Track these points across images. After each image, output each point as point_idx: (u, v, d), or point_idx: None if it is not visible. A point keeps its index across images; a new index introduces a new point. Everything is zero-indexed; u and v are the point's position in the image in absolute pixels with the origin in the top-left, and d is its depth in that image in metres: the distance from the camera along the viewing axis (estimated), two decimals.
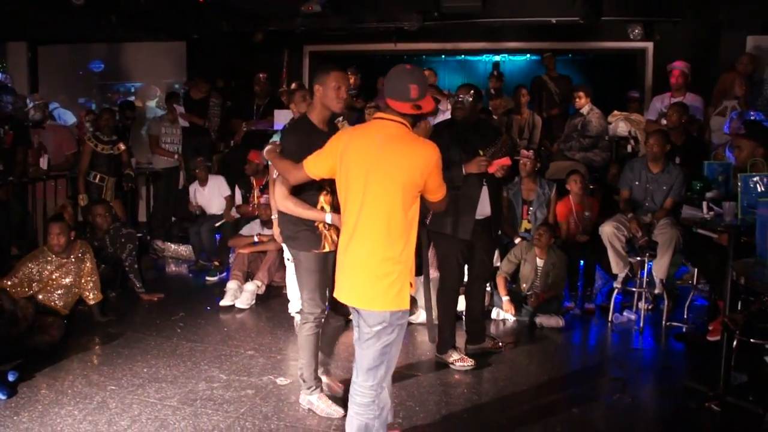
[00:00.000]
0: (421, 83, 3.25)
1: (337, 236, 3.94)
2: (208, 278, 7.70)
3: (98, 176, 7.85)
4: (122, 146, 8.01)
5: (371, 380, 3.33)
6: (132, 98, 10.76)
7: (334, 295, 3.46)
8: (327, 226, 4.04)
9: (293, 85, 7.97)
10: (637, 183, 6.59)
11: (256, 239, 7.23)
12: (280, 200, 4.02)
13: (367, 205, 3.22)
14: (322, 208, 3.98)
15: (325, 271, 4.12)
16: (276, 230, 5.73)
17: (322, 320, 4.32)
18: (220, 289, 7.05)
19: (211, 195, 8.23)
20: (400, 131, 3.24)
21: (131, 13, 8.59)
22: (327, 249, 4.06)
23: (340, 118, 8.36)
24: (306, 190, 3.99)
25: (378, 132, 3.27)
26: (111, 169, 7.93)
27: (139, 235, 7.28)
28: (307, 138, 3.92)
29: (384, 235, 3.18)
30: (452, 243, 5.08)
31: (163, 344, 5.64)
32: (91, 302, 6.06)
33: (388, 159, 3.17)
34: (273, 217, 5.75)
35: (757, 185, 4.68)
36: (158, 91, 10.69)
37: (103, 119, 8.03)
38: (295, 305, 5.91)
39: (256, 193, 7.82)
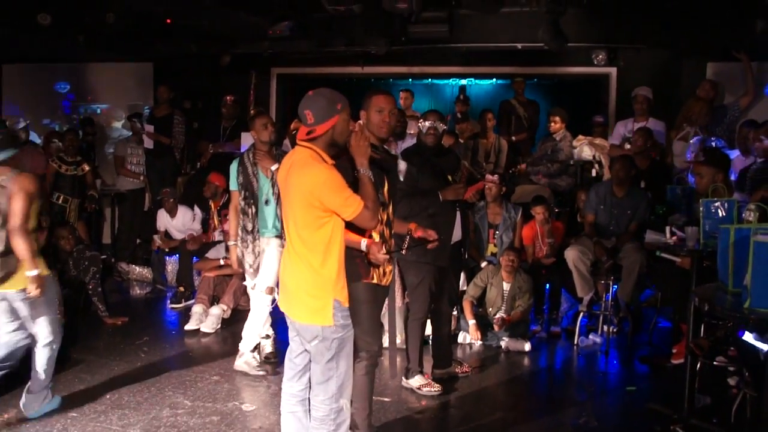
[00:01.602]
0: (318, 108, 3.31)
1: (390, 270, 3.93)
2: (172, 306, 7.57)
3: (61, 197, 7.76)
4: (86, 167, 7.93)
5: (322, 395, 3.40)
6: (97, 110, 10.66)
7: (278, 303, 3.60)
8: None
9: (251, 111, 7.90)
10: (602, 207, 6.66)
11: (222, 262, 7.16)
12: None
13: (287, 224, 3.43)
14: (371, 236, 3.74)
15: (376, 304, 3.93)
16: (233, 256, 5.63)
17: (378, 359, 4.04)
18: (185, 313, 6.96)
19: (179, 225, 8.12)
20: (304, 155, 3.34)
21: (99, 33, 8.51)
22: (375, 280, 3.82)
23: None
24: None
25: (290, 157, 3.45)
26: (74, 190, 7.85)
27: (103, 257, 7.19)
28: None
29: (301, 254, 3.34)
30: (426, 270, 5.02)
31: (126, 369, 5.55)
32: None
33: (291, 183, 3.33)
34: (230, 243, 5.65)
35: (719, 210, 4.75)
36: (123, 115, 10.57)
37: (67, 140, 7.94)
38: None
39: (215, 216, 7.73)
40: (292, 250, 3.38)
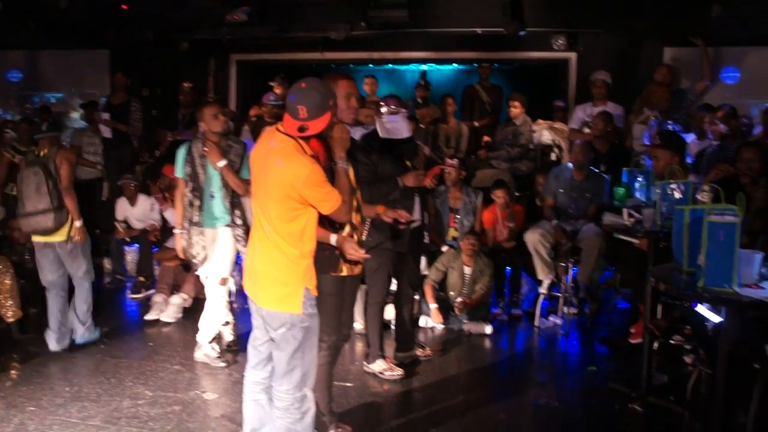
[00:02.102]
0: (313, 103, 3.20)
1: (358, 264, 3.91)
2: (132, 296, 7.50)
3: (15, 188, 7.59)
4: None
5: (286, 384, 3.37)
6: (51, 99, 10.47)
7: (243, 284, 3.53)
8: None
9: (209, 97, 7.78)
10: (561, 190, 6.73)
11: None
12: None
13: (259, 210, 3.35)
14: (340, 227, 3.70)
15: (342, 296, 3.92)
16: (179, 245, 5.46)
17: (339, 348, 4.11)
18: (145, 303, 6.91)
19: (138, 213, 8.02)
20: (284, 144, 3.25)
21: (51, 19, 8.35)
22: (344, 273, 3.83)
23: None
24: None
25: (268, 142, 3.35)
26: None
27: None
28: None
29: (272, 241, 3.28)
30: (384, 255, 5.02)
31: (85, 361, 5.49)
32: (10, 320, 5.86)
33: (267, 170, 3.26)
34: (176, 231, 5.52)
35: (675, 192, 4.82)
36: (79, 103, 10.36)
37: (21, 129, 7.78)
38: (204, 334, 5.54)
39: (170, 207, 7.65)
40: (265, 236, 3.31)
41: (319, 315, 3.53)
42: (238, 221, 5.35)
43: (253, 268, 3.41)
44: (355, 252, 3.64)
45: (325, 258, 3.69)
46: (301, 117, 3.20)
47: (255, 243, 3.41)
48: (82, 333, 5.79)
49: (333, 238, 3.64)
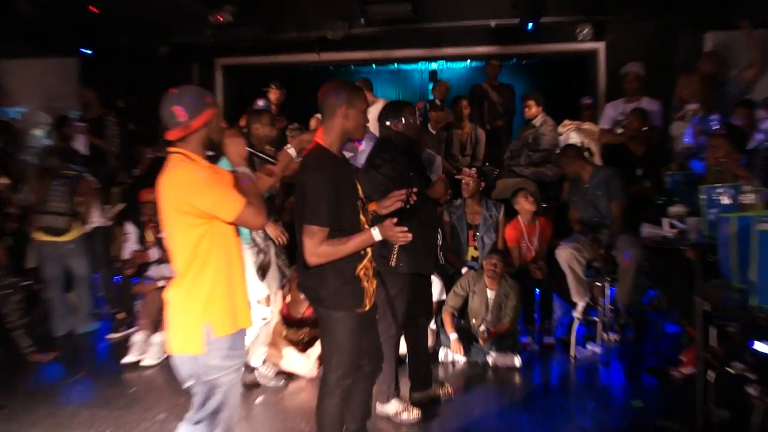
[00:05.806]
0: (189, 102, 3.32)
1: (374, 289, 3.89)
2: (111, 335, 7.45)
3: None
4: (2, 181, 7.77)
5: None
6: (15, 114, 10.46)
7: None
8: (368, 276, 3.81)
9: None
10: (576, 199, 6.71)
11: (161, 284, 7.03)
12: (312, 256, 3.62)
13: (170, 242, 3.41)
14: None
15: (361, 333, 3.85)
16: None
17: (374, 379, 4.15)
18: (125, 344, 6.86)
19: None
20: (174, 161, 3.35)
21: (11, 25, 8.37)
22: (368, 307, 3.83)
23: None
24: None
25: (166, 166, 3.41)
26: None
27: (27, 283, 7.07)
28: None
29: (178, 271, 3.34)
30: (404, 281, 4.99)
31: (57, 413, 5.42)
32: None
33: (163, 193, 3.32)
34: None
35: (723, 197, 4.74)
36: (47, 118, 10.34)
37: None
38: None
39: (150, 232, 7.55)
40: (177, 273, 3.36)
41: (335, 357, 3.58)
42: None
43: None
44: (397, 233, 3.66)
45: (349, 294, 3.69)
46: (180, 120, 3.30)
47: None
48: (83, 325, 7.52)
49: (376, 232, 3.64)
